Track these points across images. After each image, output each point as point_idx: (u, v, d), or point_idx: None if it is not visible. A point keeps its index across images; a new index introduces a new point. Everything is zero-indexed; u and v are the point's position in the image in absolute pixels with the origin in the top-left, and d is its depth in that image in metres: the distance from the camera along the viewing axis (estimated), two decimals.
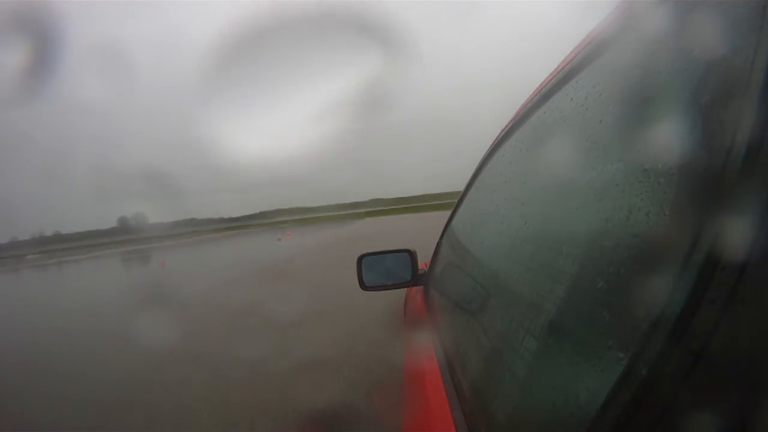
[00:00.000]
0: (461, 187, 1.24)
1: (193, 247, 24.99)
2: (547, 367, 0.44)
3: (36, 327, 6.00)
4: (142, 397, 2.82)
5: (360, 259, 1.37)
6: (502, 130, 0.91)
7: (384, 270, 1.37)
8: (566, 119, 0.57)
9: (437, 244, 1.39)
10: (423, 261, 1.44)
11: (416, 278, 1.33)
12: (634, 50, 0.41)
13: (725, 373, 0.23)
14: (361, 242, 9.86)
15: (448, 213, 1.36)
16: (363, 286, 1.36)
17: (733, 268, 0.23)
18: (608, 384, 0.29)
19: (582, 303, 0.40)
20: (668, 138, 0.32)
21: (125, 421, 2.50)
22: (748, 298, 0.22)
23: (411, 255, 1.33)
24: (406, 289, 1.58)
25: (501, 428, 0.47)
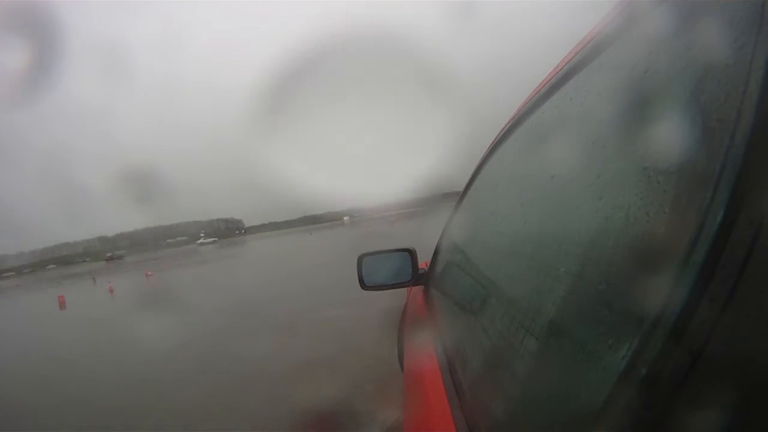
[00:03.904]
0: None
1: None
2: (547, 367, 0.44)
3: None
4: None
5: (360, 258, 1.36)
6: (502, 130, 0.91)
7: (384, 269, 1.37)
8: (566, 119, 0.57)
9: (437, 243, 1.39)
10: (423, 261, 1.43)
11: (416, 278, 1.32)
12: (634, 50, 0.41)
13: (725, 372, 0.23)
14: None
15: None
16: (363, 285, 1.35)
17: (733, 267, 0.23)
18: (608, 384, 0.29)
19: (582, 303, 0.40)
20: (667, 137, 0.32)
21: None
22: (748, 297, 0.22)
23: (411, 254, 1.33)
24: (406, 289, 1.58)
25: (501, 428, 0.47)
